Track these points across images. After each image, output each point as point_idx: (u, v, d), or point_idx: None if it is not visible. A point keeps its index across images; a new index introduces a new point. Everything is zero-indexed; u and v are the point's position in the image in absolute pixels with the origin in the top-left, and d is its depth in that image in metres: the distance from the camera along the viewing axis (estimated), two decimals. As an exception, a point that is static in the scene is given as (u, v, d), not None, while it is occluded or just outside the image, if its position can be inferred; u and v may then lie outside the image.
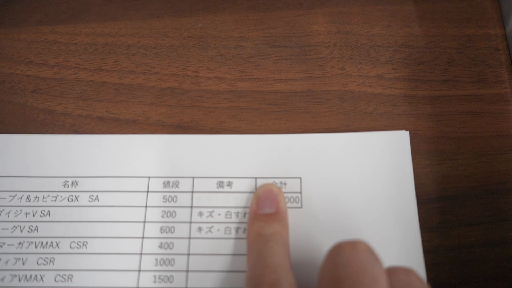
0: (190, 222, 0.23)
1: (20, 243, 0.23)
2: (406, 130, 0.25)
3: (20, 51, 0.28)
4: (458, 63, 0.26)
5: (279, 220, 0.22)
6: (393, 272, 0.17)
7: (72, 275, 0.22)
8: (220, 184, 0.24)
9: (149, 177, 0.24)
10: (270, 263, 0.19)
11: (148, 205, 0.24)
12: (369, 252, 0.17)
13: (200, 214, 0.23)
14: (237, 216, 0.23)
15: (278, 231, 0.21)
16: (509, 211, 0.23)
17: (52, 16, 0.29)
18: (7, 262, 0.23)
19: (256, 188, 0.24)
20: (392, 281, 0.17)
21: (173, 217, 0.23)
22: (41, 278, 0.22)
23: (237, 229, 0.23)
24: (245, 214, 0.23)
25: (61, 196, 0.24)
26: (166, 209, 0.23)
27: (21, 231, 0.23)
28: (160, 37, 0.28)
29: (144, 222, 0.23)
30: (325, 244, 0.22)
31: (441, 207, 0.23)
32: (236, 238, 0.23)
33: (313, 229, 0.23)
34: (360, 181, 0.23)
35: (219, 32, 0.28)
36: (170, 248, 0.23)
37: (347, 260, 0.17)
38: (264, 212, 0.22)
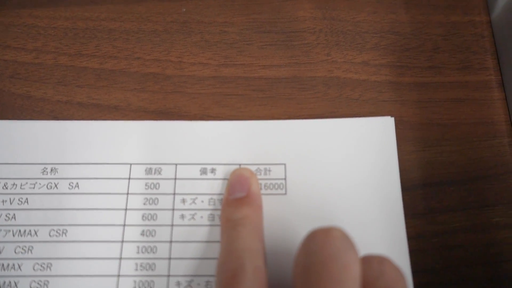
0: (173, 209, 0.23)
1: (-4, 231, 0.22)
2: (391, 116, 0.24)
3: (-3, 35, 0.27)
4: (444, 50, 0.26)
5: (249, 203, 0.21)
6: (366, 261, 0.17)
7: (51, 264, 0.22)
8: (204, 171, 0.23)
9: (131, 164, 0.24)
10: (235, 249, 0.19)
11: (129, 192, 0.23)
12: (343, 238, 0.17)
13: (183, 201, 0.23)
14: (221, 203, 0.23)
15: (247, 215, 0.21)
16: (493, 197, 0.23)
17: None
18: (-17, 251, 0.22)
19: (240, 175, 0.23)
20: (365, 269, 0.16)
21: (155, 204, 0.23)
22: (19, 267, 0.22)
23: (220, 216, 0.22)
24: (228, 201, 0.23)
25: (39, 183, 0.23)
26: (148, 196, 0.23)
27: (-3, 219, 0.23)
28: (143, 21, 0.27)
29: (126, 209, 0.23)
30: (308, 230, 0.22)
31: (425, 193, 0.23)
32: (219, 225, 0.22)
33: (297, 216, 0.22)
34: (344, 168, 0.23)
35: (203, 17, 0.27)
36: (152, 236, 0.22)
37: (319, 246, 0.16)
38: (235, 197, 0.22)
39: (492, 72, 0.26)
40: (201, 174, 0.23)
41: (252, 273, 0.18)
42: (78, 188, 0.23)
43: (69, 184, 0.23)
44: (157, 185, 0.23)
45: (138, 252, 0.22)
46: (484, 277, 0.22)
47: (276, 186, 0.23)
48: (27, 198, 0.23)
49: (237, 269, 0.18)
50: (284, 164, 0.23)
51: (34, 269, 0.22)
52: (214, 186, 0.23)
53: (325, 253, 0.16)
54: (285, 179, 0.23)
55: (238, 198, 0.22)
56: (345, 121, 0.24)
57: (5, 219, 0.22)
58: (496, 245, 0.22)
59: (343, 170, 0.23)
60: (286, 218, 0.22)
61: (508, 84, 0.25)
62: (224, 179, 0.23)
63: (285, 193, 0.23)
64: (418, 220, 0.23)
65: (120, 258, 0.22)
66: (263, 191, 0.23)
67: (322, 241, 0.16)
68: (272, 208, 0.23)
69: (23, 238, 0.22)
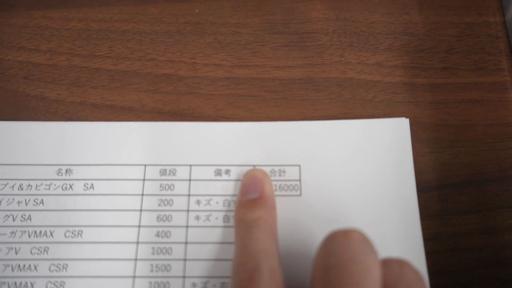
0: (188, 211, 0.23)
1: (12, 232, 0.22)
2: (406, 117, 0.24)
3: (10, 36, 0.27)
4: (458, 51, 0.26)
5: (263, 204, 0.21)
6: (386, 264, 0.17)
7: (67, 265, 0.22)
8: (218, 172, 0.23)
9: (145, 165, 0.24)
10: (250, 250, 0.19)
11: (144, 193, 0.23)
12: (363, 241, 0.17)
13: (198, 202, 0.23)
14: (235, 204, 0.23)
15: (261, 216, 0.20)
16: (508, 198, 0.23)
17: (44, 1, 0.28)
18: (-1, 251, 0.22)
19: (254, 176, 0.23)
20: (385, 272, 0.16)
21: (170, 205, 0.23)
22: (35, 268, 0.22)
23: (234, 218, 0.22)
24: (243, 202, 0.23)
25: (54, 185, 0.23)
26: (163, 197, 0.23)
27: (13, 220, 0.23)
28: (156, 22, 0.27)
29: (141, 210, 0.23)
30: (323, 232, 0.22)
31: (441, 194, 0.23)
32: (234, 227, 0.22)
33: (312, 217, 0.22)
34: (359, 169, 0.23)
35: (216, 18, 0.27)
36: (167, 237, 0.22)
37: (339, 248, 0.16)
38: (248, 198, 0.21)
39: (507, 73, 0.26)
40: (215, 175, 0.23)
41: (268, 274, 0.18)
42: (93, 189, 0.23)
43: (84, 185, 0.23)
44: (172, 186, 0.23)
45: (153, 253, 0.22)
46: (499, 280, 0.22)
47: (291, 188, 0.23)
48: (42, 199, 0.23)
49: (253, 270, 0.18)
50: (299, 165, 0.23)
51: (50, 270, 0.22)
52: (228, 187, 0.23)
53: (345, 255, 0.16)
54: (299, 180, 0.23)
55: (252, 199, 0.21)
56: (359, 122, 0.24)
57: (21, 220, 0.23)
58: (510, 248, 0.22)
59: (358, 172, 0.23)
60: (301, 220, 0.22)
61: (523, 85, 0.25)
62: (238, 180, 0.23)
63: (300, 195, 0.23)
64: (433, 221, 0.23)
65: (136, 259, 0.22)
66: (277, 193, 0.23)
67: (342, 243, 0.16)
68: (286, 210, 0.23)
69: (39, 239, 0.22)
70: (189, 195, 0.23)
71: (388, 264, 0.17)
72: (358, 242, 0.16)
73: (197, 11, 0.28)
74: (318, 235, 0.22)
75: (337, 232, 0.17)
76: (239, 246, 0.20)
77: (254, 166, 0.23)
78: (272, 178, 0.23)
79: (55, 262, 0.22)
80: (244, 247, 0.19)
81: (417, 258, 0.21)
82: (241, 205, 0.22)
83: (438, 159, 0.24)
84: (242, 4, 0.28)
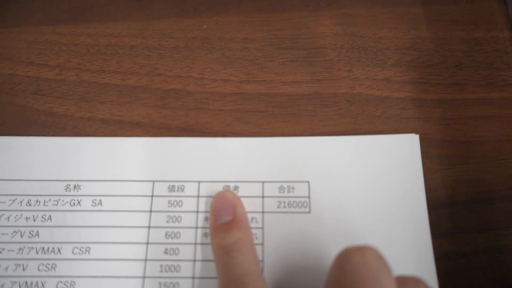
0: (196, 228, 0.23)
1: (20, 248, 0.22)
2: (416, 133, 0.24)
3: (20, 51, 0.27)
4: (467, 66, 0.26)
5: (238, 226, 0.21)
6: (402, 282, 0.17)
7: (74, 282, 0.22)
8: (227, 189, 0.23)
9: (153, 181, 0.23)
10: (235, 275, 0.19)
11: (152, 209, 0.23)
12: (378, 259, 0.16)
13: (207, 219, 0.23)
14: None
15: (239, 238, 0.20)
16: (520, 216, 0.23)
17: (53, 16, 0.28)
18: (6, 268, 0.22)
19: (262, 195, 0.23)
20: None
21: (178, 222, 0.23)
22: (42, 285, 0.22)
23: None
24: (252, 219, 0.23)
25: (63, 200, 0.23)
26: (171, 214, 0.23)
27: (21, 236, 0.23)
28: (164, 38, 0.27)
29: (149, 227, 0.23)
30: (333, 250, 0.22)
31: (452, 212, 0.23)
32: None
33: (321, 234, 0.22)
34: (369, 186, 0.23)
35: (224, 34, 0.28)
36: (175, 254, 0.22)
37: (354, 266, 0.16)
38: (222, 221, 0.21)
39: (516, 88, 0.26)
40: (224, 192, 0.23)
41: None
42: (101, 205, 0.23)
43: (92, 201, 0.23)
44: (180, 203, 0.23)
45: (161, 271, 0.22)
46: (512, 299, 0.21)
47: (300, 204, 0.23)
48: (50, 215, 0.23)
49: None
50: (308, 182, 0.23)
51: (57, 287, 0.21)
52: (237, 204, 0.23)
53: (361, 273, 0.16)
54: (308, 197, 0.23)
55: (226, 222, 0.21)
56: (369, 138, 0.24)
57: (29, 236, 0.22)
58: (524, 266, 0.22)
59: (368, 189, 0.23)
60: (310, 238, 0.22)
61: (533, 101, 0.25)
62: (248, 196, 0.23)
63: (309, 212, 0.23)
64: (444, 240, 0.22)
65: (144, 277, 0.22)
66: (286, 210, 0.23)
67: (357, 261, 0.16)
68: (296, 227, 0.22)
69: (46, 256, 0.22)
70: (197, 211, 0.23)
71: (405, 282, 0.17)
72: (373, 260, 0.16)
73: (205, 26, 0.28)
74: (328, 252, 0.22)
75: (351, 249, 0.17)
76: (222, 272, 0.20)
77: (263, 182, 0.23)
78: (281, 194, 0.23)
79: (63, 280, 0.22)
80: (228, 273, 0.19)
81: (429, 277, 0.21)
82: (216, 230, 0.21)
83: (448, 176, 0.24)
84: (250, 20, 0.28)
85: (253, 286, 0.18)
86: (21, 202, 0.23)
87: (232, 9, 0.28)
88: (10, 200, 0.23)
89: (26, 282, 0.22)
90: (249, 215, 0.23)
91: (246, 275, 0.19)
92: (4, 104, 0.26)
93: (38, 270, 0.22)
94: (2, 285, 0.21)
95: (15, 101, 0.26)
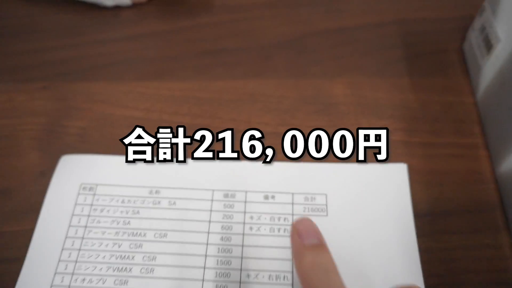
0: (244, 223, 0.31)
1: (117, 232, 0.31)
2: (404, 163, 0.33)
3: (118, 99, 0.38)
4: (442, 120, 0.36)
5: (327, 250, 0.22)
6: None
7: (155, 257, 0.30)
8: (266, 197, 0.32)
9: (213, 190, 0.32)
10: None
11: (212, 209, 0.32)
12: None
13: (251, 217, 0.31)
14: (279, 219, 0.31)
15: (332, 260, 0.21)
16: (473, 225, 0.31)
17: (142, 75, 0.40)
18: (107, 245, 0.30)
19: (292, 202, 0.32)
20: None
21: (231, 219, 0.31)
22: (132, 258, 0.30)
23: (278, 229, 0.31)
24: (284, 218, 0.31)
25: (147, 201, 0.32)
26: (226, 213, 0.31)
27: (117, 223, 0.31)
28: (222, 93, 0.38)
29: (209, 221, 0.31)
30: (347, 246, 0.30)
31: (432, 220, 0.31)
32: (277, 236, 0.30)
33: (337, 233, 0.30)
34: (368, 201, 0.31)
35: (265, 91, 0.38)
36: (228, 240, 0.30)
37: None
38: (311, 243, 0.22)
39: (479, 136, 0.35)
40: (264, 199, 0.32)
41: None
42: (175, 205, 0.32)
43: (169, 202, 0.32)
44: (232, 205, 0.32)
45: (218, 252, 0.30)
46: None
47: (319, 210, 0.31)
48: (138, 210, 0.32)
49: None
50: (326, 194, 0.32)
51: (143, 260, 0.30)
52: (273, 208, 0.32)
53: None
54: (326, 205, 0.32)
55: (316, 244, 0.22)
56: (369, 166, 0.33)
57: (123, 224, 0.31)
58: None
59: (366, 203, 0.31)
60: (328, 235, 0.30)
61: (490, 145, 0.34)
62: (281, 203, 0.32)
63: (327, 215, 0.31)
64: (425, 238, 0.30)
65: (206, 255, 0.30)
66: (309, 213, 0.31)
67: None
68: (316, 226, 0.31)
69: (135, 238, 0.31)
70: (245, 212, 0.31)
71: None
72: None
73: (251, 86, 0.38)
74: (342, 247, 0.30)
75: None
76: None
77: (293, 194, 0.32)
78: (305, 202, 0.32)
79: (147, 254, 0.30)
80: None
81: (414, 275, 0.29)
82: (306, 249, 0.22)
83: (428, 195, 0.32)
84: (284, 82, 0.39)
85: None
86: (118, 200, 0.32)
87: (271, 75, 0.39)
88: (110, 198, 0.32)
89: (121, 255, 0.30)
90: (282, 216, 0.31)
91: None
92: (107, 133, 0.36)
93: (129, 247, 0.30)
94: (104, 257, 0.30)
95: (116, 133, 0.36)
